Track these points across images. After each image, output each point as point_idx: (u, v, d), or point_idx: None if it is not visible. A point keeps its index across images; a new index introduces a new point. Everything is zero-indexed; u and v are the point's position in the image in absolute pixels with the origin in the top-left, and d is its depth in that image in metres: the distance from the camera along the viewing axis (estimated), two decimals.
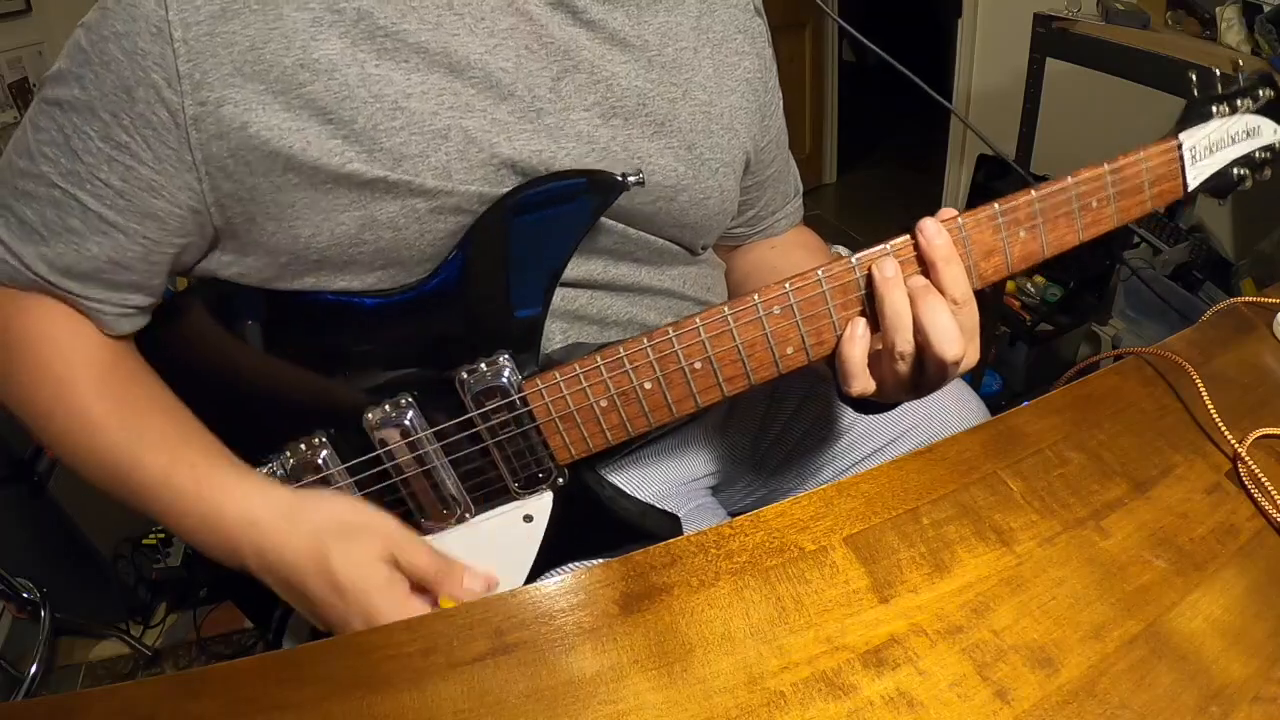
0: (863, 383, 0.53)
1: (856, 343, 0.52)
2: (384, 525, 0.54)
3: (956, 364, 0.50)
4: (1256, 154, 0.59)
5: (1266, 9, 1.42)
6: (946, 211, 0.52)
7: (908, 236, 0.51)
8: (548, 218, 0.53)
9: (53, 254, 0.52)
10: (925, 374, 0.52)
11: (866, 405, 0.60)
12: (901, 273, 0.50)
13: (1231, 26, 1.49)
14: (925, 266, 0.51)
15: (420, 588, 0.54)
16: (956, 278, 0.50)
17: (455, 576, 0.54)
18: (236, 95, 0.47)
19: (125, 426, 0.53)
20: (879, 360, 0.53)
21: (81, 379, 0.54)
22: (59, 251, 0.51)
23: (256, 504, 0.53)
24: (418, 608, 0.52)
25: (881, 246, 0.51)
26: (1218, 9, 1.52)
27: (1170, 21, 1.65)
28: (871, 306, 0.52)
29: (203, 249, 0.55)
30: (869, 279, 0.51)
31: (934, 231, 0.50)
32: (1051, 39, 1.74)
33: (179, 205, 0.51)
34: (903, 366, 0.51)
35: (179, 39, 0.46)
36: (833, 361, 0.55)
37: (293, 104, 0.48)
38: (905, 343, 0.50)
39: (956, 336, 0.50)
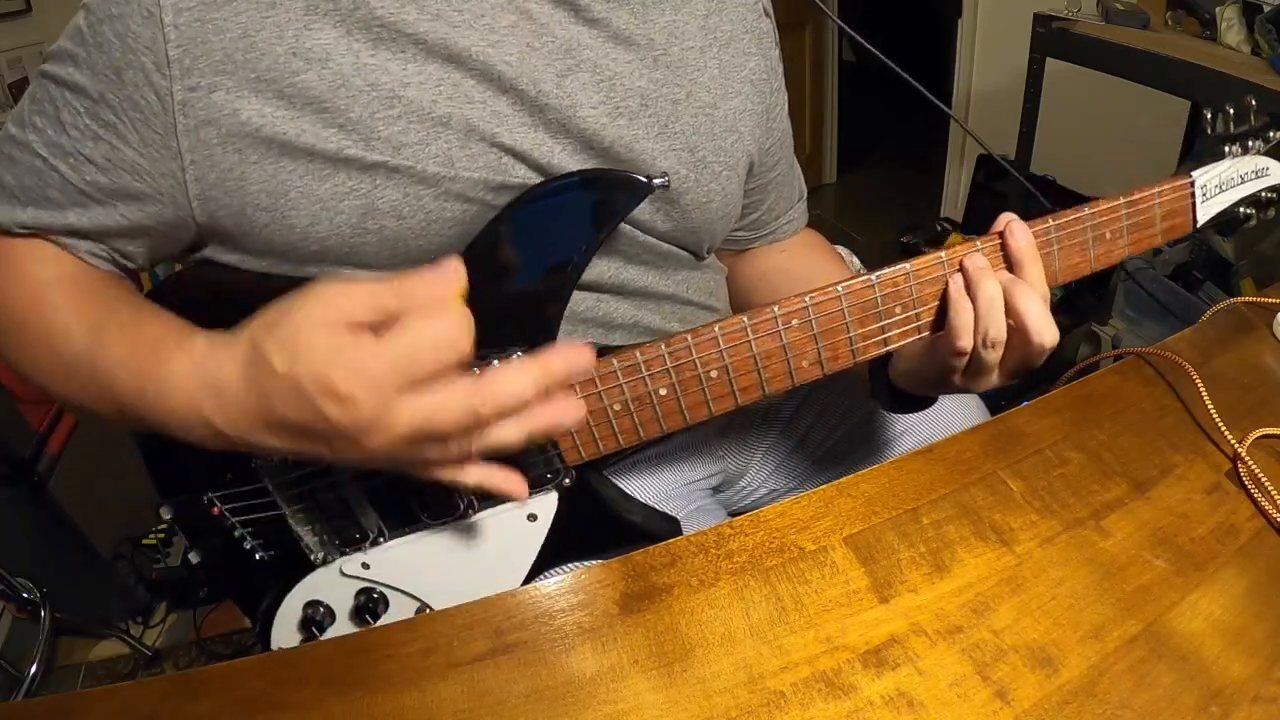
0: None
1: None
2: (313, 290, 0.43)
3: (1049, 350, 0.53)
4: (1263, 194, 0.61)
5: (1266, 9, 1.42)
6: (1008, 217, 0.54)
7: (993, 235, 0.53)
8: (569, 215, 0.53)
9: (27, 217, 0.52)
10: (1008, 362, 0.54)
11: (904, 404, 0.62)
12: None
13: (1231, 26, 1.50)
14: (1010, 265, 0.53)
15: (387, 324, 0.43)
16: (1039, 276, 0.53)
17: (414, 285, 0.43)
18: (228, 82, 0.47)
19: (96, 315, 0.52)
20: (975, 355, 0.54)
21: (58, 282, 0.53)
22: (33, 215, 0.52)
23: (209, 350, 0.47)
24: (374, 350, 0.41)
25: (970, 245, 0.53)
26: (1218, 9, 1.52)
27: (1170, 21, 1.65)
28: (942, 306, 0.54)
29: (183, 245, 0.55)
30: (963, 269, 0.53)
31: (1023, 231, 0.52)
32: (1051, 39, 1.74)
33: (160, 191, 0.51)
34: (994, 354, 0.53)
35: (169, 24, 0.46)
36: (873, 367, 0.56)
37: (285, 92, 0.48)
38: (998, 328, 0.52)
39: (1051, 322, 0.52)
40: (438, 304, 0.43)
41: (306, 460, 0.50)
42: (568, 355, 0.45)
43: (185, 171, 0.49)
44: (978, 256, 0.53)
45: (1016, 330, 0.52)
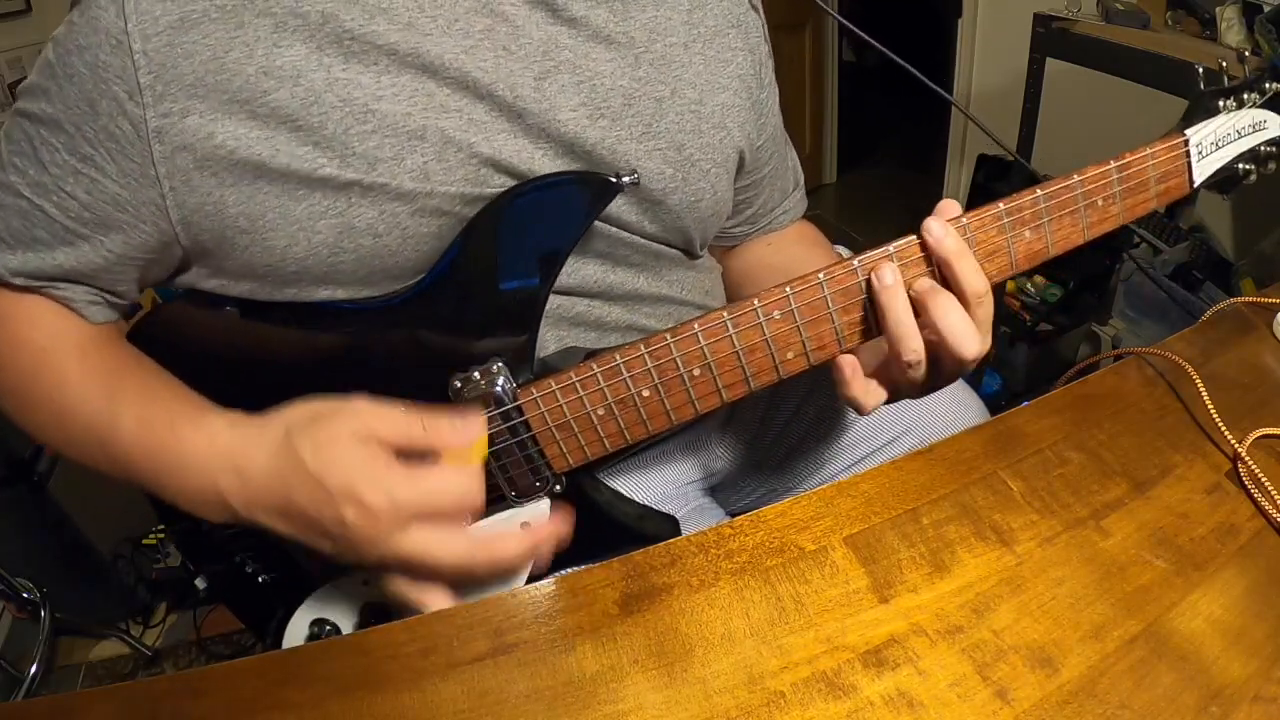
0: (875, 396, 0.53)
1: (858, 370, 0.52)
2: (352, 405, 0.49)
3: (975, 360, 0.50)
4: (1261, 148, 0.58)
5: (1266, 9, 1.42)
6: (949, 207, 0.51)
7: (912, 237, 0.50)
8: (541, 220, 0.53)
9: (18, 261, 0.52)
10: (940, 373, 0.51)
11: None
12: (902, 277, 0.49)
13: (1231, 26, 1.50)
14: (937, 266, 0.50)
15: (413, 457, 0.49)
16: (971, 271, 0.49)
17: (442, 427, 0.49)
18: (200, 105, 0.47)
19: (104, 386, 0.53)
20: (887, 368, 0.52)
21: (61, 347, 0.54)
22: (24, 259, 0.51)
23: (232, 433, 0.50)
24: (405, 479, 0.47)
25: (883, 249, 0.50)
26: (1218, 9, 1.52)
27: (1170, 21, 1.65)
28: (874, 312, 0.51)
29: (171, 267, 0.55)
30: (869, 286, 0.50)
31: (942, 231, 0.49)
32: (1051, 39, 1.75)
33: (144, 220, 0.50)
34: (915, 373, 0.50)
35: (139, 50, 0.45)
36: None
37: (258, 112, 0.47)
38: (912, 351, 0.49)
39: (972, 333, 0.49)
40: (461, 452, 0.49)
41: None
42: (560, 525, 0.53)
43: (165, 199, 0.49)
44: (885, 272, 0.49)
45: (937, 344, 0.49)
